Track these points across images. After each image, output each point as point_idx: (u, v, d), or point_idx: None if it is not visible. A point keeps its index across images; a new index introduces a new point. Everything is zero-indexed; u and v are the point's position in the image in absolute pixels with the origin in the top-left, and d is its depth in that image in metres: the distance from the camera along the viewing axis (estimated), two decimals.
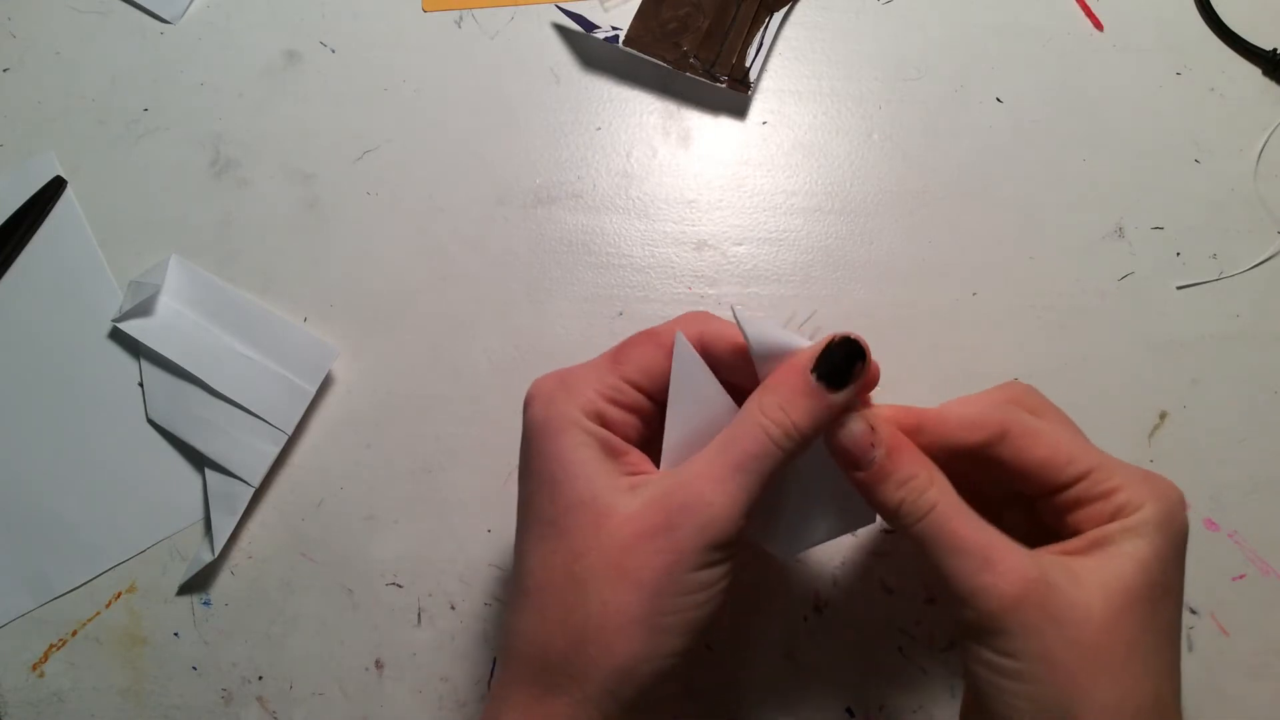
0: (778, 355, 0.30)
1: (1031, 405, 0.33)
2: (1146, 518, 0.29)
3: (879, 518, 0.32)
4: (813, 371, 0.29)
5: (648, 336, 0.32)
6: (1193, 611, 0.41)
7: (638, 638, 0.28)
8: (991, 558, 0.28)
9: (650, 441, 0.32)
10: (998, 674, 0.28)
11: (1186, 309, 0.45)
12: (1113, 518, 0.29)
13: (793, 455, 0.29)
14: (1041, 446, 0.30)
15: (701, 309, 0.35)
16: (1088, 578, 0.28)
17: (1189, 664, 0.41)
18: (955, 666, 0.41)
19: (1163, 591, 0.29)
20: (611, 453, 0.30)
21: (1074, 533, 0.30)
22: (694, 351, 0.31)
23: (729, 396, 0.31)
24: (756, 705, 0.41)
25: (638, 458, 0.31)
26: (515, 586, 0.31)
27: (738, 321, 0.30)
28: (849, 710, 0.41)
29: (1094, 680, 0.27)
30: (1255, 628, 0.41)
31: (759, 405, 0.29)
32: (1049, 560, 0.28)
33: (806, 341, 0.30)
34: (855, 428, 0.30)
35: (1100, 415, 0.44)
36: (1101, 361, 0.44)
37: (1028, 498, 0.32)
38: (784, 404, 0.29)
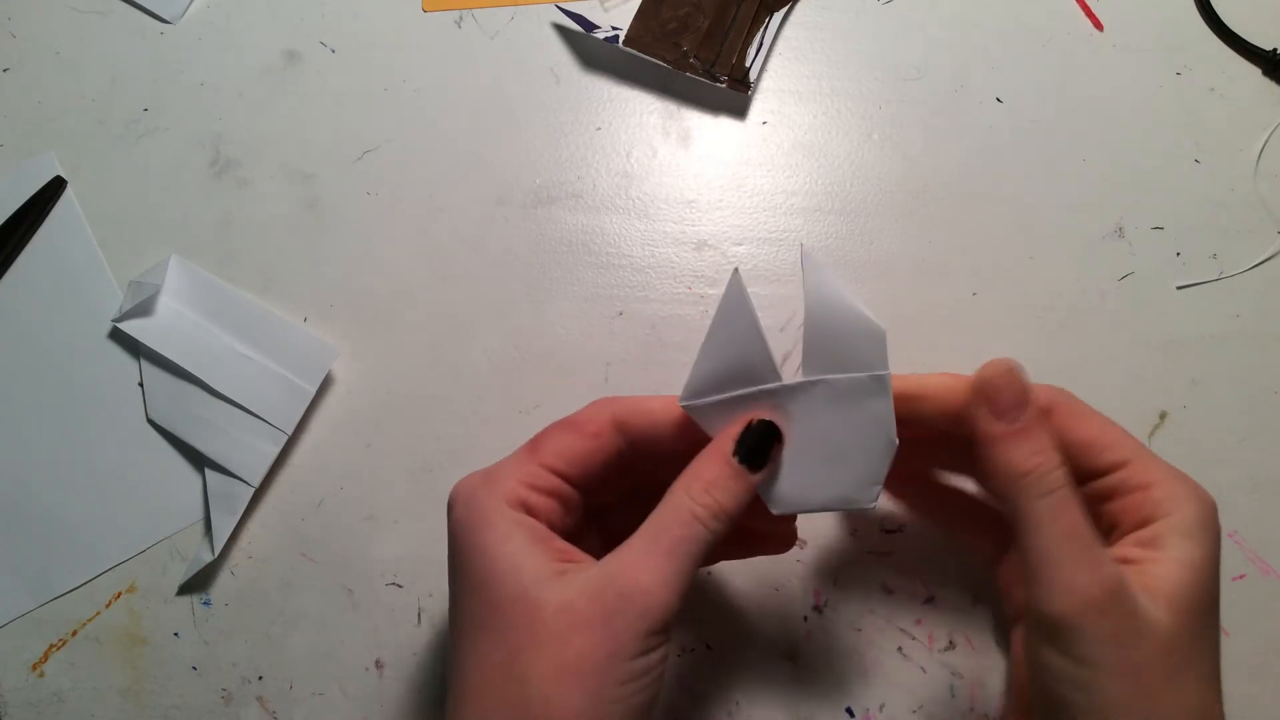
0: (834, 323, 0.30)
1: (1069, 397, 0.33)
2: (1191, 518, 0.29)
3: (875, 504, 0.32)
4: (734, 455, 0.30)
5: (563, 424, 0.32)
6: None
7: None
8: (1091, 556, 0.28)
9: (572, 531, 0.32)
10: (1064, 683, 0.28)
11: (1186, 309, 0.45)
12: (1152, 513, 0.29)
13: (720, 535, 0.30)
14: (1086, 427, 0.31)
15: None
16: (1156, 588, 0.28)
17: None
18: (955, 666, 0.41)
19: (1211, 599, 0.29)
20: (538, 540, 0.30)
21: (1110, 525, 0.30)
22: (746, 291, 0.31)
23: (766, 345, 0.31)
24: (756, 705, 0.41)
25: (563, 544, 0.31)
26: (454, 694, 0.30)
27: (803, 262, 0.30)
28: (849, 710, 0.41)
29: (1160, 692, 0.27)
30: (1255, 628, 0.41)
31: (686, 491, 0.30)
32: (1124, 570, 0.28)
33: (872, 318, 0.30)
34: (1012, 379, 0.29)
35: None
36: (1101, 361, 0.44)
37: None
38: (709, 487, 0.30)
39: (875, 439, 0.31)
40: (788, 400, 0.31)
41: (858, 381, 0.31)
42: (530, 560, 0.29)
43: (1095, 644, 0.27)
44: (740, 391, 0.31)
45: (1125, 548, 0.30)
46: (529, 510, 0.31)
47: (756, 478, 0.31)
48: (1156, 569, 0.28)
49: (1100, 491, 0.31)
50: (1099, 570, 0.27)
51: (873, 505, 0.32)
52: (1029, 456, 0.29)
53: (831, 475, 0.32)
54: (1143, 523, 0.30)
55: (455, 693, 0.30)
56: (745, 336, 0.31)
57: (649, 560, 0.29)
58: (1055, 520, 0.28)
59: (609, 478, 0.33)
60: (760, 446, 0.31)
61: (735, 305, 0.31)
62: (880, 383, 0.31)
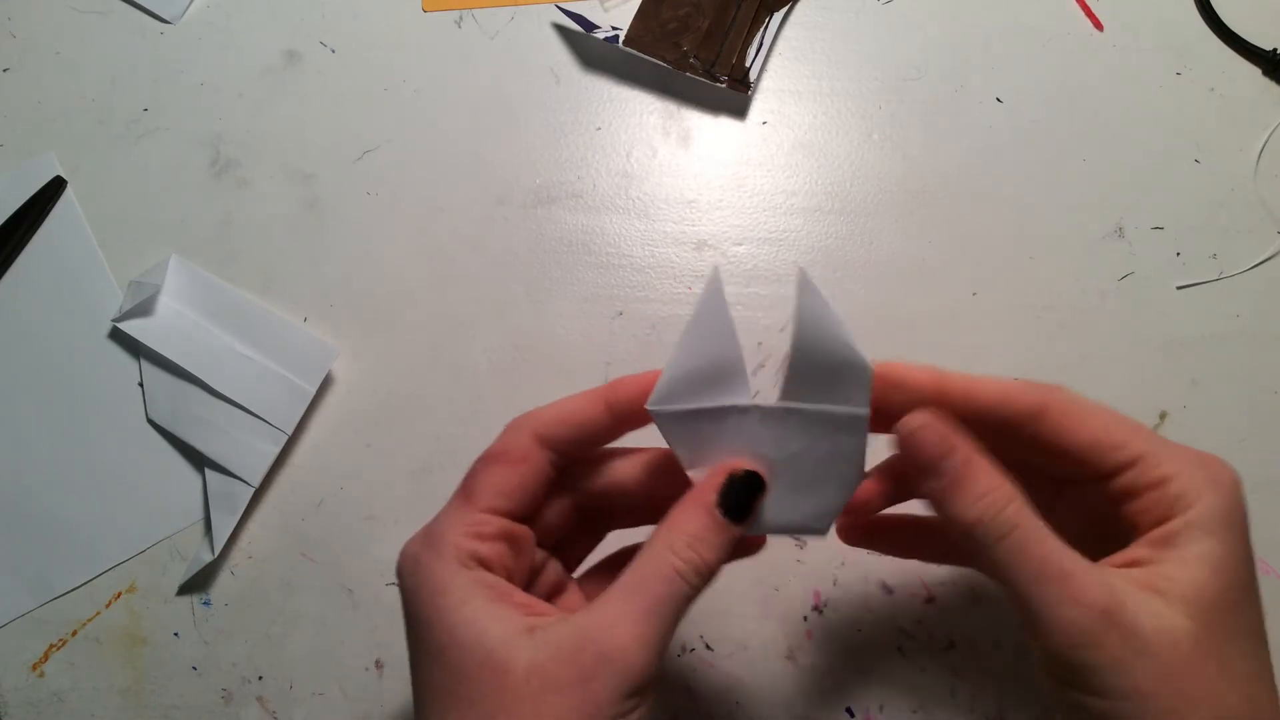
0: (822, 351, 0.29)
1: (1066, 395, 0.31)
2: (1209, 511, 0.27)
3: (827, 533, 0.31)
4: (718, 507, 0.29)
5: (486, 460, 0.30)
6: None
7: None
8: (1072, 586, 0.26)
9: (530, 569, 0.31)
10: (1083, 710, 0.26)
11: (1186, 309, 0.45)
12: (1169, 510, 0.27)
13: (701, 590, 0.28)
14: (1088, 427, 0.28)
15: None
16: (1171, 592, 0.26)
17: None
18: (955, 666, 0.41)
19: (1241, 592, 0.27)
20: (498, 597, 0.28)
21: (1129, 526, 0.28)
22: (722, 291, 0.29)
23: (743, 358, 0.30)
24: (756, 705, 0.41)
25: (524, 597, 0.29)
26: None
27: (799, 286, 0.28)
28: (849, 710, 0.41)
29: (1193, 708, 0.25)
30: None
31: (668, 545, 0.28)
32: (1122, 581, 0.26)
33: (860, 353, 0.28)
34: (929, 433, 0.28)
35: None
36: (1101, 361, 0.44)
37: (1076, 494, 0.31)
38: (692, 542, 0.28)
39: (843, 472, 0.30)
40: (760, 421, 0.30)
41: (836, 416, 0.29)
42: (493, 621, 0.27)
43: (1105, 673, 0.25)
44: (711, 404, 0.30)
45: (1137, 549, 0.28)
46: (480, 562, 0.29)
47: (738, 530, 0.29)
48: (1170, 569, 0.26)
49: (1115, 493, 0.29)
50: (1085, 598, 0.26)
51: (825, 533, 0.31)
52: (970, 507, 0.27)
53: (793, 501, 0.31)
54: (1160, 521, 0.27)
55: None
56: (719, 341, 0.29)
57: (628, 618, 0.27)
58: (1019, 563, 0.26)
59: (550, 499, 0.32)
60: (744, 499, 0.29)
61: (711, 307, 0.29)
62: (858, 421, 0.29)
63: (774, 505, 0.31)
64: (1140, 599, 0.26)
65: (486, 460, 0.30)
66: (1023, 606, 0.27)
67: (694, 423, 0.30)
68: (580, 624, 0.27)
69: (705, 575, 0.28)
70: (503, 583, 0.29)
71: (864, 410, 0.29)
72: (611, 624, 0.27)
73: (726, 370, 0.30)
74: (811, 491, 0.31)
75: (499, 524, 0.30)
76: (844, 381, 0.29)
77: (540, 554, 0.32)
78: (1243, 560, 0.27)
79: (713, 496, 0.29)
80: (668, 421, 0.30)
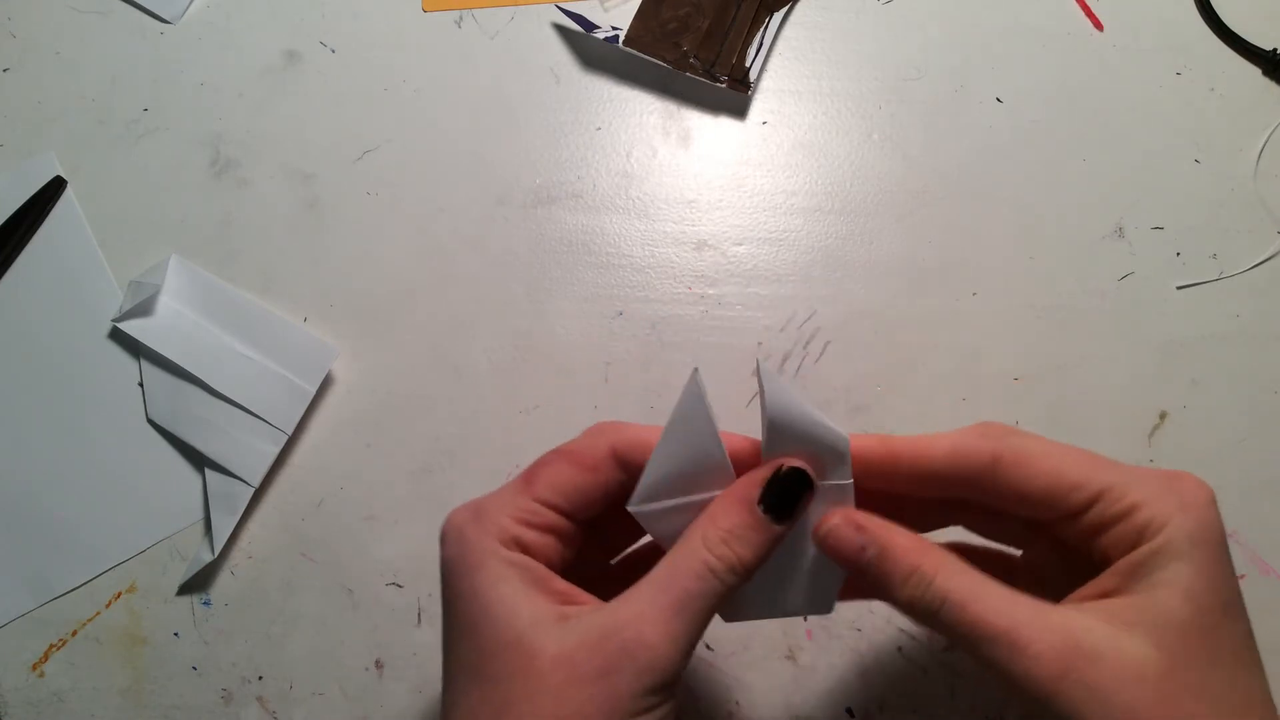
0: (794, 423, 0.28)
1: (1018, 434, 0.30)
2: (1177, 534, 0.26)
3: (833, 611, 0.31)
4: (760, 504, 0.28)
5: (559, 455, 0.30)
6: None
7: None
8: (1018, 640, 0.25)
9: (572, 566, 0.31)
10: None
11: (1186, 309, 0.45)
12: (1139, 538, 0.26)
13: (734, 589, 0.28)
14: (1039, 472, 0.28)
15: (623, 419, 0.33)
16: (1138, 623, 0.25)
17: None
18: (955, 666, 0.41)
19: (1219, 615, 0.26)
20: (535, 582, 0.28)
21: (1104, 561, 0.28)
22: (703, 392, 0.29)
23: (725, 454, 0.29)
24: (756, 705, 0.41)
25: (563, 585, 0.29)
26: None
27: (760, 377, 0.28)
28: (849, 710, 0.41)
29: None
30: (1255, 628, 0.41)
31: (702, 539, 0.28)
32: (1084, 620, 0.26)
33: (828, 420, 0.28)
34: (842, 534, 0.28)
35: (1100, 415, 0.44)
36: (1101, 361, 0.44)
37: (1047, 534, 0.30)
38: (728, 538, 0.28)
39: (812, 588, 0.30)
40: None
41: (822, 491, 0.29)
42: (526, 605, 0.27)
43: (1077, 709, 0.24)
44: (695, 498, 0.29)
45: (1107, 579, 0.27)
46: (524, 549, 0.29)
47: (780, 529, 0.28)
48: (1138, 600, 0.26)
49: (1085, 530, 0.28)
50: (1034, 648, 0.25)
51: (830, 612, 0.31)
52: (899, 591, 0.27)
53: (793, 582, 0.30)
54: (1132, 550, 0.27)
55: None
56: (701, 441, 0.29)
57: (656, 614, 0.27)
58: (961, 629, 0.26)
59: (609, 508, 0.31)
60: (790, 495, 0.28)
61: (692, 408, 0.29)
62: (844, 491, 0.29)
63: (772, 590, 0.30)
64: (1101, 634, 0.25)
65: (558, 455, 0.30)
66: (987, 669, 0.26)
67: (679, 515, 0.29)
68: (608, 616, 0.27)
69: (740, 573, 0.28)
70: (541, 568, 0.29)
71: (848, 481, 0.29)
72: (638, 618, 0.27)
73: (709, 465, 0.29)
74: (809, 572, 0.30)
75: (550, 518, 0.29)
76: (823, 457, 0.29)
77: (587, 544, 0.32)
78: (1218, 581, 0.26)
79: (755, 492, 0.28)
80: (650, 519, 0.29)
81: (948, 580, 0.27)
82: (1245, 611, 0.27)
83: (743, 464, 0.30)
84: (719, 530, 0.28)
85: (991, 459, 0.28)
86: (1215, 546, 0.26)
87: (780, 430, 0.29)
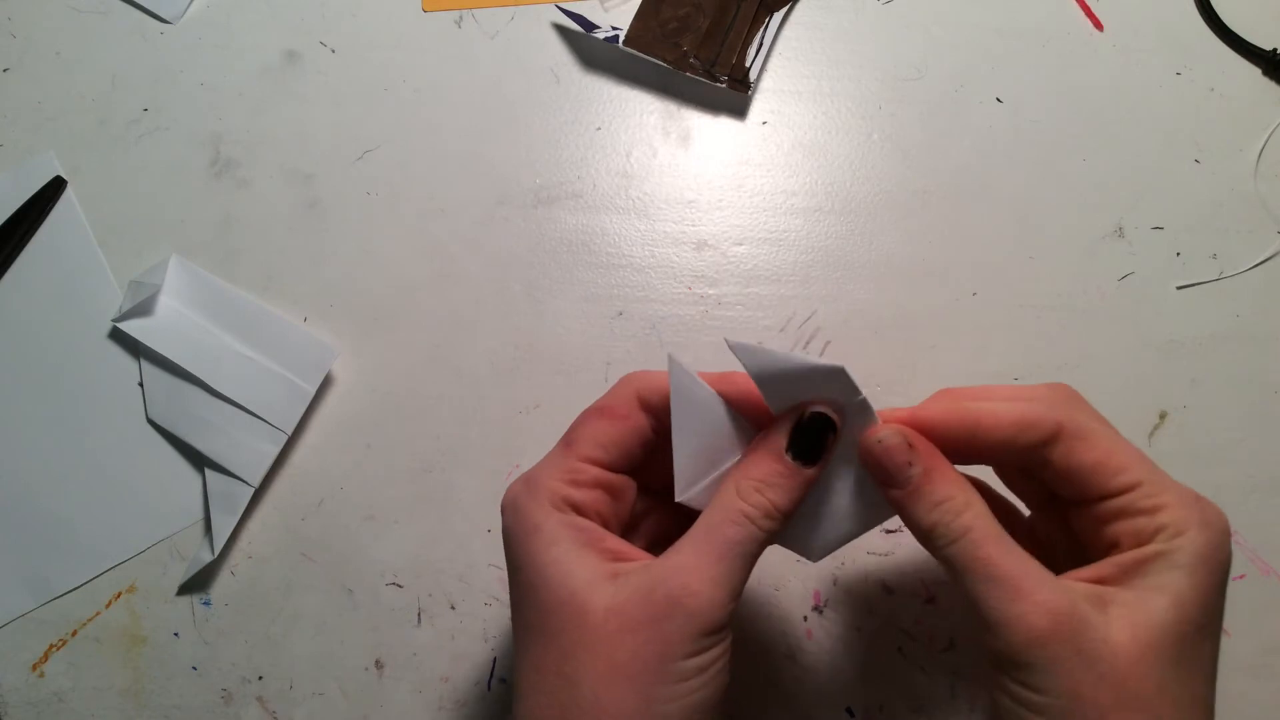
0: (784, 384, 0.29)
1: (1081, 408, 0.31)
2: (1188, 547, 0.28)
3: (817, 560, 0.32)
4: (788, 450, 0.29)
5: (593, 411, 0.32)
6: None
7: None
8: (1023, 588, 0.27)
9: (624, 517, 0.32)
10: (1025, 708, 0.27)
11: (1186, 309, 0.45)
12: (1153, 537, 0.28)
13: (774, 534, 0.29)
14: (1095, 450, 0.29)
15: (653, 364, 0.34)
16: (1120, 612, 0.27)
17: None
18: (955, 666, 0.41)
19: (1197, 630, 0.27)
20: (587, 543, 0.30)
21: (1110, 545, 0.29)
22: (690, 371, 0.30)
23: (729, 409, 0.31)
24: (756, 705, 0.41)
25: (615, 542, 0.30)
26: (515, 693, 0.30)
27: (733, 351, 0.29)
28: (849, 710, 0.41)
29: (1123, 718, 0.26)
30: (1255, 628, 0.41)
31: (736, 490, 0.29)
32: (1081, 591, 0.28)
33: (812, 358, 0.29)
34: (892, 443, 0.29)
35: None
36: (1101, 361, 0.44)
37: (1063, 505, 0.32)
38: (761, 486, 0.29)
39: (857, 508, 0.31)
40: None
41: (846, 413, 0.30)
42: (579, 564, 0.29)
43: (1048, 672, 0.26)
44: (727, 465, 0.31)
45: (1105, 567, 0.29)
46: (575, 508, 0.30)
47: (811, 472, 0.30)
48: (1130, 595, 0.27)
49: (1107, 513, 0.29)
50: (1037, 598, 0.27)
51: (815, 561, 0.32)
52: (928, 512, 0.29)
53: (854, 505, 0.31)
54: (1141, 545, 0.28)
55: (515, 693, 0.30)
56: (707, 412, 0.31)
57: (698, 562, 0.28)
58: (972, 564, 0.28)
59: (650, 455, 0.32)
60: (815, 440, 0.29)
61: (686, 387, 0.30)
62: (863, 408, 0.30)
63: (837, 523, 0.32)
64: (1094, 612, 0.27)
65: (590, 413, 0.32)
66: (975, 605, 0.28)
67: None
68: (656, 569, 0.28)
69: (776, 518, 0.29)
70: (593, 527, 0.30)
71: (861, 397, 0.30)
72: (682, 567, 0.28)
73: (725, 430, 0.31)
74: (863, 496, 0.31)
75: (595, 473, 0.31)
76: (827, 391, 0.30)
77: (645, 502, 0.34)
78: (1207, 602, 0.28)
79: (783, 441, 0.30)
80: (699, 501, 0.31)
81: (975, 518, 0.28)
82: (1219, 634, 0.28)
83: (753, 410, 0.31)
84: (751, 480, 0.29)
85: (1055, 429, 0.29)
86: (1217, 571, 0.28)
87: (772, 386, 0.30)
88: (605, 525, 0.31)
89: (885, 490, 0.30)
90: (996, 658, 0.28)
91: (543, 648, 0.29)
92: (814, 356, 0.29)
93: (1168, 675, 0.27)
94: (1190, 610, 0.27)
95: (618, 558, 0.30)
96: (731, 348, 0.29)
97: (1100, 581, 0.28)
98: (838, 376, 0.29)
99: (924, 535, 0.29)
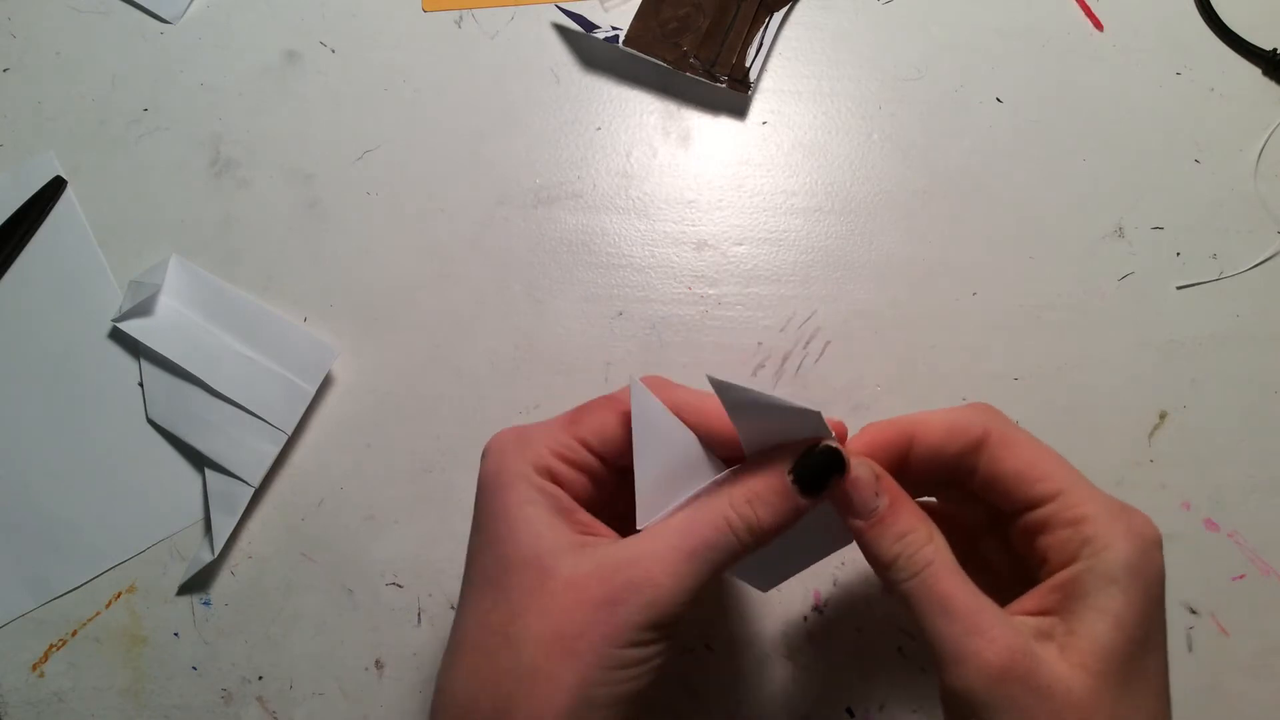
0: (759, 421, 0.29)
1: (1007, 422, 0.32)
2: (1117, 560, 0.28)
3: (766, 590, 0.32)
4: (790, 473, 0.29)
5: (606, 401, 0.32)
6: (1193, 611, 0.41)
7: (565, 708, 0.27)
8: (979, 624, 0.27)
9: (599, 504, 0.32)
10: None
11: (1186, 309, 0.45)
12: (1079, 550, 0.28)
13: (749, 549, 0.29)
14: (1018, 457, 0.30)
15: (660, 373, 0.34)
16: (1065, 642, 0.27)
17: (1189, 664, 0.41)
18: None
19: (1141, 647, 0.27)
20: (560, 510, 0.30)
21: (1041, 560, 0.29)
22: (653, 397, 0.30)
23: (695, 437, 0.30)
24: (756, 705, 0.41)
25: (587, 518, 0.31)
26: (451, 641, 0.30)
27: (715, 389, 0.29)
28: (849, 710, 0.41)
29: None
30: (1255, 628, 0.41)
31: (728, 496, 0.29)
32: (1030, 626, 0.28)
33: (790, 399, 0.29)
34: (860, 474, 0.29)
35: (1100, 415, 0.44)
36: (1101, 361, 0.44)
37: (1004, 526, 0.32)
38: (753, 499, 0.29)
39: (812, 543, 0.31)
40: None
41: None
42: (549, 529, 0.29)
43: (998, 714, 0.26)
44: (688, 493, 0.30)
45: (1046, 597, 0.29)
46: (556, 479, 0.30)
47: (805, 503, 0.29)
48: (1074, 624, 0.27)
49: (1033, 525, 0.30)
50: (990, 636, 0.27)
51: (765, 591, 0.32)
52: (890, 545, 0.29)
53: (808, 535, 0.31)
54: (1069, 560, 0.28)
55: (451, 643, 0.30)
56: (670, 440, 0.30)
57: (668, 554, 0.28)
58: (929, 598, 0.28)
59: None
60: (822, 473, 0.29)
61: (648, 414, 0.30)
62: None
63: (790, 555, 0.32)
64: (1044, 647, 0.27)
65: (605, 400, 0.32)
66: (932, 641, 0.28)
67: None
68: (623, 550, 0.28)
69: (757, 535, 0.29)
70: (568, 499, 0.30)
71: (832, 439, 0.29)
72: (650, 556, 0.28)
73: (689, 458, 0.30)
74: (817, 525, 0.31)
75: (586, 457, 0.31)
76: (802, 432, 0.29)
77: (617, 483, 0.33)
78: (1146, 615, 0.28)
79: (789, 463, 0.29)
80: None
81: (935, 551, 0.28)
82: (1165, 645, 0.29)
83: (719, 441, 0.31)
84: (745, 490, 0.29)
85: (983, 434, 0.31)
86: (1150, 582, 0.28)
87: (746, 422, 0.29)
88: (579, 504, 0.31)
89: (849, 520, 0.30)
90: (953, 699, 0.28)
91: (493, 600, 0.29)
92: (792, 398, 0.28)
93: (1120, 700, 0.27)
94: (1131, 629, 0.27)
95: (587, 531, 0.30)
96: (712, 383, 0.28)
97: (1042, 612, 0.28)
98: (812, 419, 0.29)
99: (885, 567, 0.29)
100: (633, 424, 0.30)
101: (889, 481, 0.30)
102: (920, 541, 0.29)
